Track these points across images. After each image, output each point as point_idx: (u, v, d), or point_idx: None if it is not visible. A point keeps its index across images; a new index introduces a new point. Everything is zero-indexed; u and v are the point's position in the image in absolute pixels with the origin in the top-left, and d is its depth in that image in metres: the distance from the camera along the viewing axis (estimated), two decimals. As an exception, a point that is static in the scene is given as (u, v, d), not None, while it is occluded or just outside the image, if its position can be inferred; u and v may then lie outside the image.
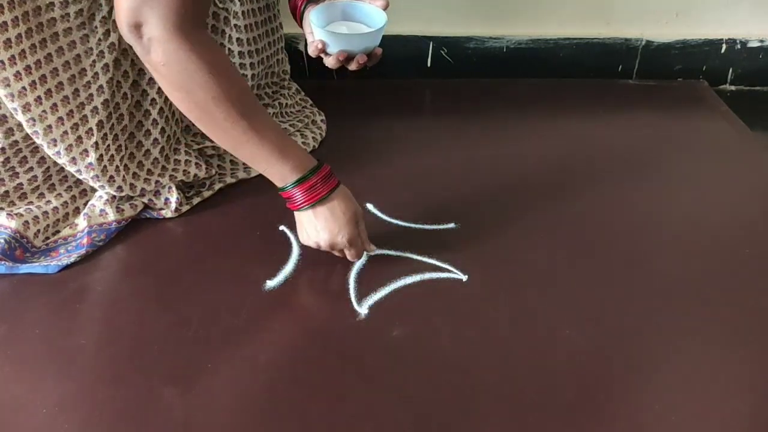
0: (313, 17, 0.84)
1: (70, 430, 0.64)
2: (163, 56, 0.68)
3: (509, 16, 1.31)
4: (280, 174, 0.77)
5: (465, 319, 0.77)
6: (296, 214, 0.81)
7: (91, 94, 0.83)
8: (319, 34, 0.83)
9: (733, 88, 1.39)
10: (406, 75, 1.33)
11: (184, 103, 0.72)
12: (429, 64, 1.33)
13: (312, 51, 0.84)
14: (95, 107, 0.83)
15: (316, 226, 0.79)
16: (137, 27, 0.67)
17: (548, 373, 0.71)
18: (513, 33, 1.32)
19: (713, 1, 1.31)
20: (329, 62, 0.84)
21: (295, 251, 0.86)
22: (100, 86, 0.83)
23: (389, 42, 1.30)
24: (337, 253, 0.83)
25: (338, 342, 0.74)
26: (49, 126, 0.80)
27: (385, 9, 0.85)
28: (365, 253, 0.85)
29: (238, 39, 0.95)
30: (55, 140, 0.81)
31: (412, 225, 0.92)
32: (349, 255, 0.83)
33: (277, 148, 0.75)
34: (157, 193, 0.92)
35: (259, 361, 0.72)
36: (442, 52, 1.32)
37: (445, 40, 1.31)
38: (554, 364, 0.72)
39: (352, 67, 0.84)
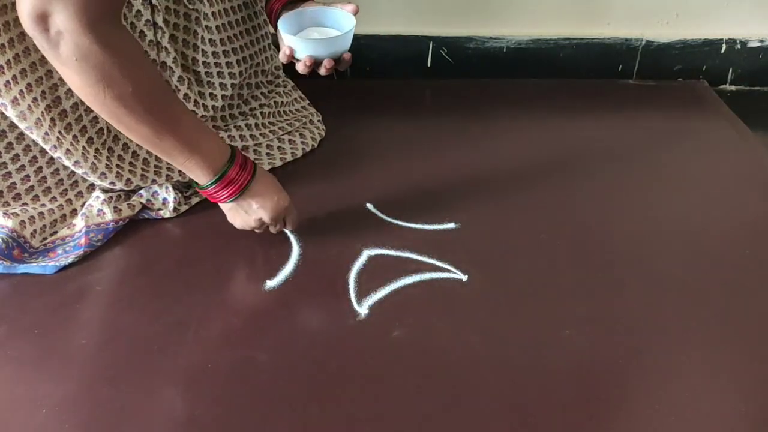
0: (281, 25, 0.85)
1: (70, 430, 0.64)
2: (75, 50, 0.64)
3: (509, 16, 1.31)
4: (194, 174, 0.76)
5: (465, 319, 0.77)
6: (222, 205, 0.82)
7: (69, 91, 0.83)
8: (287, 40, 0.84)
9: (733, 88, 1.39)
10: (406, 75, 1.33)
11: (99, 99, 0.68)
12: (429, 64, 1.33)
13: (282, 57, 0.85)
14: (75, 103, 0.83)
15: (247, 210, 0.81)
16: (43, 18, 0.62)
17: (548, 373, 0.71)
18: (513, 33, 1.32)
19: (713, 1, 1.31)
20: (299, 68, 0.85)
21: (295, 251, 0.86)
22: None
23: (389, 42, 1.31)
24: (273, 230, 0.86)
25: (338, 342, 0.74)
26: (36, 121, 0.80)
27: (355, 14, 0.85)
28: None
29: (210, 40, 0.95)
30: (47, 133, 0.81)
31: (412, 225, 0.92)
32: (288, 221, 0.85)
33: (194, 139, 0.74)
34: (155, 193, 0.92)
35: (259, 361, 0.72)
36: (442, 52, 1.32)
37: (445, 40, 1.31)
38: (554, 364, 0.72)
39: (321, 71, 0.85)
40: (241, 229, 0.84)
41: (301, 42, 0.83)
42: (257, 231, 0.85)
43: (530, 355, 0.73)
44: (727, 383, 0.70)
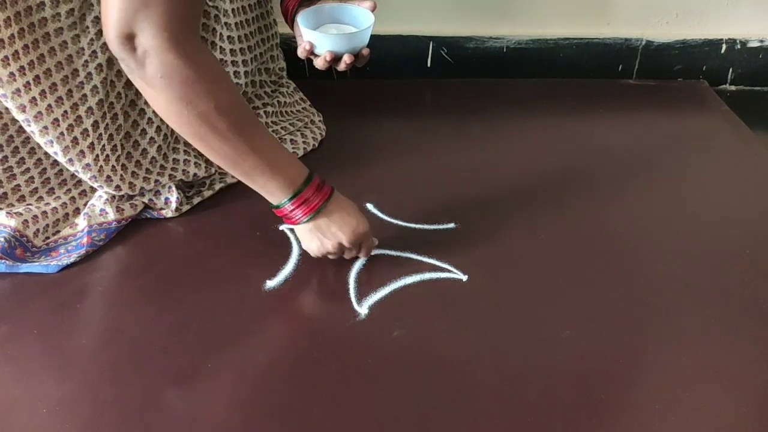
0: (300, 20, 0.85)
1: (70, 430, 0.64)
2: (161, 68, 0.65)
3: (509, 16, 1.31)
4: (272, 191, 0.75)
5: (465, 319, 0.77)
6: (297, 229, 0.80)
7: (84, 95, 0.82)
8: (307, 35, 0.84)
9: (733, 88, 1.38)
10: (406, 75, 1.33)
11: (183, 118, 0.68)
12: (429, 64, 1.33)
13: (300, 53, 0.85)
14: (90, 108, 0.83)
15: (320, 235, 0.79)
16: (130, 39, 0.63)
17: (548, 373, 0.71)
18: (513, 33, 1.32)
19: (713, 1, 1.31)
20: (317, 63, 0.85)
21: (295, 251, 0.86)
22: (94, 86, 0.83)
23: (389, 42, 1.31)
24: (347, 255, 0.83)
25: (338, 342, 0.74)
26: (45, 127, 0.80)
27: (372, 10, 0.86)
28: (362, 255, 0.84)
29: (229, 37, 0.95)
30: (51, 141, 0.81)
31: (412, 225, 0.92)
32: (365, 247, 0.82)
33: (274, 159, 0.74)
34: (157, 193, 0.92)
35: (259, 361, 0.72)
36: (442, 52, 1.32)
37: (445, 40, 1.31)
38: (554, 364, 0.72)
39: (340, 67, 0.85)
40: (315, 256, 0.82)
41: (322, 37, 0.83)
42: (330, 257, 0.82)
43: (530, 355, 0.73)
44: (727, 383, 0.70)
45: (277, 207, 0.77)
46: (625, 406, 0.68)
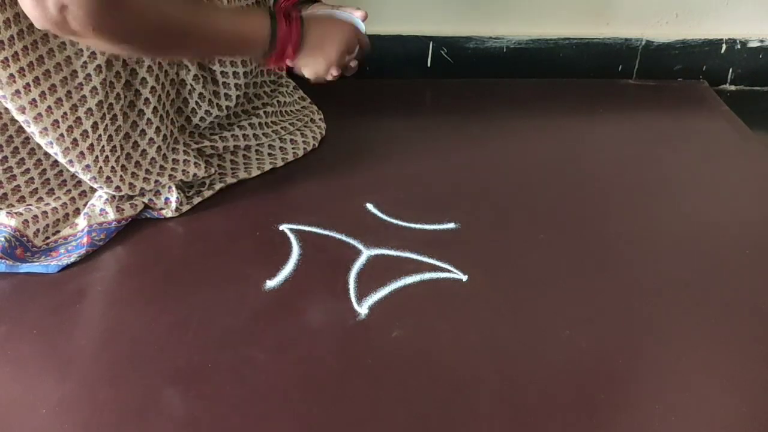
0: None
1: (70, 430, 0.64)
2: (87, 19, 0.62)
3: (509, 16, 1.31)
4: (253, 47, 0.78)
5: (465, 319, 0.77)
6: (299, 60, 0.82)
7: (84, 96, 0.82)
8: None
9: (733, 88, 1.39)
10: (406, 75, 1.33)
11: (140, 41, 0.69)
12: (429, 64, 1.33)
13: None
14: (89, 109, 0.83)
15: (322, 48, 0.81)
16: (61, 9, 0.61)
17: (548, 373, 0.71)
18: (513, 33, 1.32)
19: (713, 1, 1.31)
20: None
21: (295, 251, 0.86)
22: (94, 87, 0.83)
23: (389, 42, 1.31)
24: (351, 62, 0.85)
25: (338, 342, 0.74)
26: (45, 128, 0.80)
27: (364, 20, 0.85)
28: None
29: None
30: (51, 143, 0.81)
31: (412, 225, 0.92)
32: (362, 43, 0.84)
33: (238, 19, 0.77)
34: (157, 193, 0.92)
35: (259, 361, 0.72)
36: (442, 52, 1.32)
37: (445, 40, 1.31)
38: (554, 364, 0.72)
39: (327, 77, 0.85)
40: (324, 78, 0.84)
41: None
42: (338, 71, 0.84)
43: (530, 355, 0.73)
44: (727, 383, 0.70)
45: (268, 53, 0.79)
46: (625, 406, 0.68)
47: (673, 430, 0.65)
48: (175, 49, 0.75)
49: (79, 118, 0.82)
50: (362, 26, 0.85)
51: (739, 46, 1.34)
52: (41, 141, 0.81)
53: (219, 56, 0.79)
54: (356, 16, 0.86)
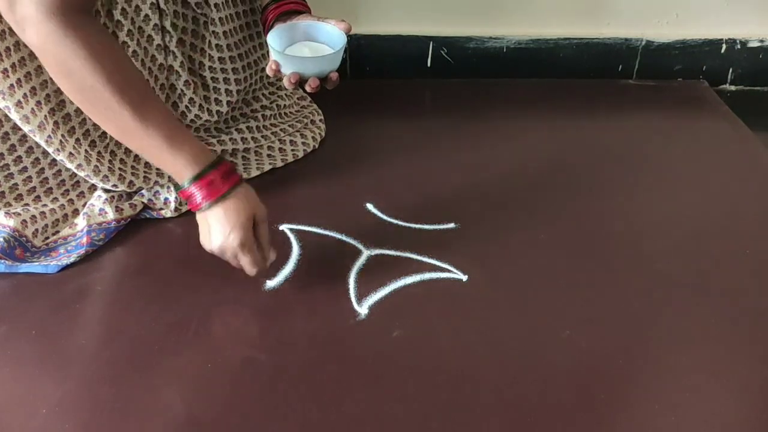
0: (270, 38, 0.83)
1: (70, 430, 0.64)
2: (37, 38, 0.66)
3: (509, 16, 1.31)
4: (175, 169, 0.72)
5: (465, 320, 0.77)
6: (197, 216, 0.75)
7: None
8: (273, 55, 0.82)
9: (733, 88, 1.39)
10: (406, 75, 1.33)
11: (66, 88, 0.70)
12: (429, 64, 1.33)
13: (268, 70, 0.82)
14: (78, 108, 0.83)
15: (209, 229, 0.73)
16: (11, 3, 0.65)
17: (548, 374, 0.71)
18: (513, 33, 1.32)
19: (713, 1, 1.31)
20: (284, 83, 0.82)
21: (295, 251, 0.86)
22: None
23: (389, 42, 1.31)
24: (233, 263, 0.76)
25: (338, 342, 0.74)
26: (42, 123, 0.80)
27: (347, 32, 0.83)
28: (268, 263, 0.78)
29: (217, 45, 0.95)
30: (50, 137, 0.81)
31: (412, 225, 0.92)
32: (243, 262, 0.75)
33: (167, 139, 0.71)
34: (156, 193, 0.92)
35: (259, 361, 0.72)
36: (442, 52, 1.32)
37: (445, 40, 1.31)
38: (554, 364, 0.72)
39: (307, 89, 0.82)
40: (211, 251, 0.76)
41: (287, 59, 0.81)
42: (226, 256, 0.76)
43: (530, 355, 0.73)
44: (727, 383, 0.70)
45: (180, 188, 0.73)
46: (624, 406, 0.68)
47: (673, 429, 0.65)
48: (99, 110, 0.71)
49: (68, 114, 0.83)
50: (343, 41, 0.82)
51: (739, 46, 1.34)
52: (39, 138, 0.81)
53: (134, 149, 0.75)
54: (340, 28, 0.83)
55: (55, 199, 0.88)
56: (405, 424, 0.65)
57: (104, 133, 0.87)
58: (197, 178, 0.72)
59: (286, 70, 0.82)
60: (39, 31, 0.66)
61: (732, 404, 0.68)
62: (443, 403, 0.67)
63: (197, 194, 0.72)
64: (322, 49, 0.84)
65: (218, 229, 0.73)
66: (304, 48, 0.84)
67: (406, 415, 0.66)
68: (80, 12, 0.68)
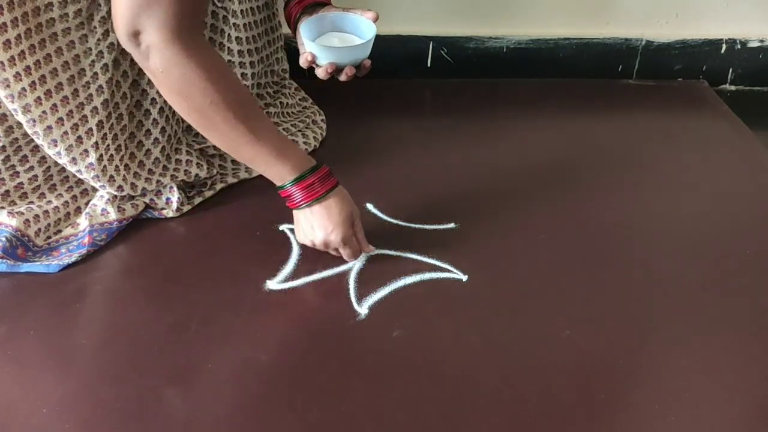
0: (302, 30, 0.86)
1: (70, 430, 0.64)
2: (161, 63, 0.70)
3: (509, 16, 1.31)
4: (279, 174, 0.79)
5: (465, 320, 0.77)
6: (294, 212, 0.82)
7: (90, 94, 0.83)
8: (309, 46, 0.84)
9: (733, 88, 1.39)
10: (406, 75, 1.33)
11: (184, 108, 0.74)
12: (429, 64, 1.33)
13: (302, 62, 0.86)
14: (95, 107, 0.83)
15: (312, 224, 0.80)
16: (135, 35, 0.68)
17: (548, 374, 0.71)
18: (513, 33, 1.32)
19: (713, 1, 1.31)
20: (319, 73, 0.86)
21: (295, 251, 0.86)
22: (100, 86, 0.83)
23: (389, 42, 1.31)
24: (333, 252, 0.84)
25: (338, 342, 0.74)
26: (49, 127, 0.80)
27: (375, 21, 0.86)
28: (364, 253, 0.85)
29: (237, 38, 0.95)
30: (55, 141, 0.81)
31: (412, 225, 0.92)
32: (344, 254, 0.83)
33: (275, 149, 0.77)
34: (158, 193, 0.92)
35: (259, 361, 0.72)
36: (442, 52, 1.32)
37: (445, 40, 1.31)
38: (554, 364, 0.72)
39: (342, 78, 0.86)
40: (304, 243, 0.84)
41: (324, 49, 0.84)
42: (320, 248, 0.83)
43: (530, 355, 0.73)
44: (727, 383, 0.70)
45: (281, 188, 0.80)
46: (624, 406, 0.68)
47: (673, 430, 0.65)
48: (216, 126, 0.75)
49: (84, 116, 0.82)
50: (374, 29, 0.85)
51: (739, 46, 1.34)
52: (44, 140, 0.81)
53: (241, 160, 0.81)
54: (367, 17, 0.86)
55: (60, 195, 0.88)
56: (405, 424, 0.65)
57: (115, 135, 0.86)
58: (298, 181, 0.78)
59: (322, 61, 0.85)
60: (163, 57, 0.69)
61: (732, 404, 0.68)
62: (443, 403, 0.67)
63: (297, 194, 0.79)
64: (350, 39, 0.87)
65: (322, 225, 0.80)
66: (333, 39, 0.88)
67: (406, 415, 0.66)
68: (196, 34, 0.72)
